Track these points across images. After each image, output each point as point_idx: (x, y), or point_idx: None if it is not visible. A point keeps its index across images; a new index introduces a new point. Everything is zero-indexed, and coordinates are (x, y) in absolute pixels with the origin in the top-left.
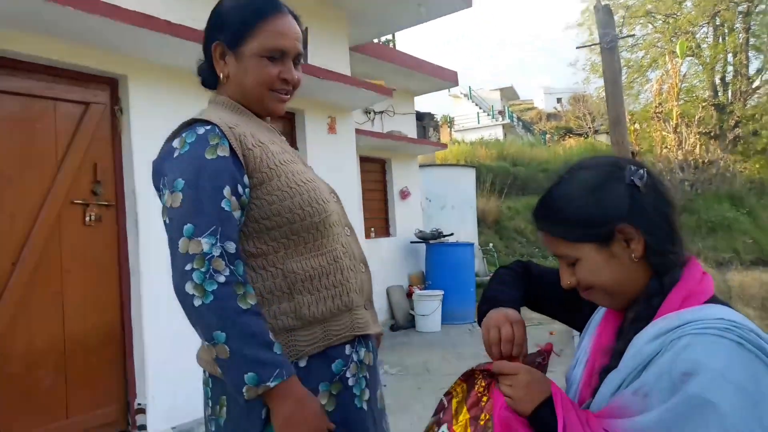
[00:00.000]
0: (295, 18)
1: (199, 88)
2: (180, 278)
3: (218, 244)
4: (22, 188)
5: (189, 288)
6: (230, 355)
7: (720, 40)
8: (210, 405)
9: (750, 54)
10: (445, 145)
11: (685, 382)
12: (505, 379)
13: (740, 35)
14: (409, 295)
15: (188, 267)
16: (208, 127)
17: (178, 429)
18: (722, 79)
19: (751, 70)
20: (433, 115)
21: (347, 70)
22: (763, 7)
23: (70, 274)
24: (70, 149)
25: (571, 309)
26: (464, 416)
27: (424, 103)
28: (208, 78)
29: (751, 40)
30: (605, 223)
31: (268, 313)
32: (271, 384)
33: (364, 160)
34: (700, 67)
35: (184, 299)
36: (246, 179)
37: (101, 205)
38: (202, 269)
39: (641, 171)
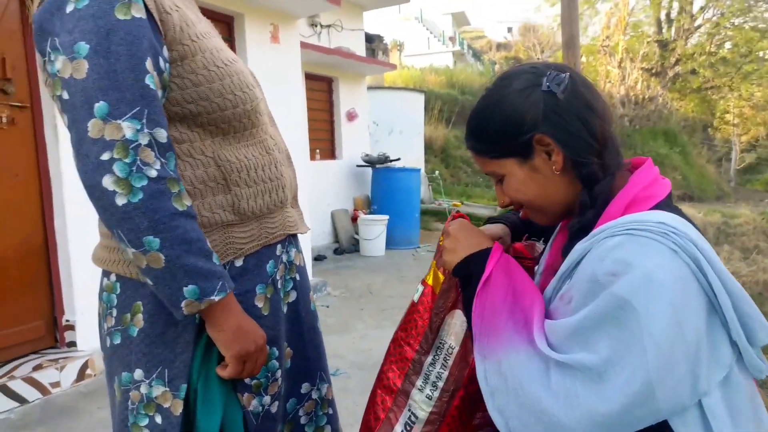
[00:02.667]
0: None
1: None
2: (94, 169)
3: (145, 130)
4: None
5: (108, 182)
6: (165, 264)
7: None
8: (114, 314)
9: None
10: (394, 66)
11: (611, 283)
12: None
13: None
14: (354, 219)
15: (105, 156)
16: None
17: None
18: (668, 15)
19: (695, 8)
20: (382, 37)
21: None
22: None
23: None
24: None
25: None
26: (432, 265)
27: (373, 25)
28: None
29: None
30: (520, 134)
31: (202, 205)
32: (216, 298)
33: (309, 77)
34: (648, 1)
35: (101, 196)
36: (165, 51)
37: (14, 106)
38: (126, 160)
39: (561, 75)
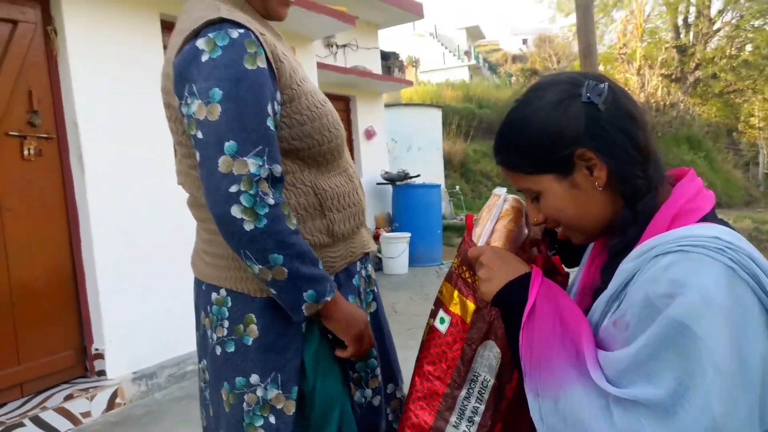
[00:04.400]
0: None
1: (144, 8)
2: (223, 201)
3: (266, 165)
4: None
5: (236, 212)
6: (288, 275)
7: None
8: (226, 325)
9: None
10: (411, 83)
11: (666, 306)
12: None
13: None
14: (376, 237)
15: (233, 189)
16: (242, 31)
17: (140, 374)
18: (685, 20)
19: (713, 12)
20: (398, 54)
21: None
22: None
23: (12, 213)
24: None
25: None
26: (456, 295)
27: (388, 42)
28: None
29: None
30: (561, 148)
31: (303, 229)
32: (329, 298)
33: (327, 96)
34: (664, 7)
35: (230, 223)
36: (278, 95)
37: (40, 137)
38: (251, 192)
39: (601, 86)
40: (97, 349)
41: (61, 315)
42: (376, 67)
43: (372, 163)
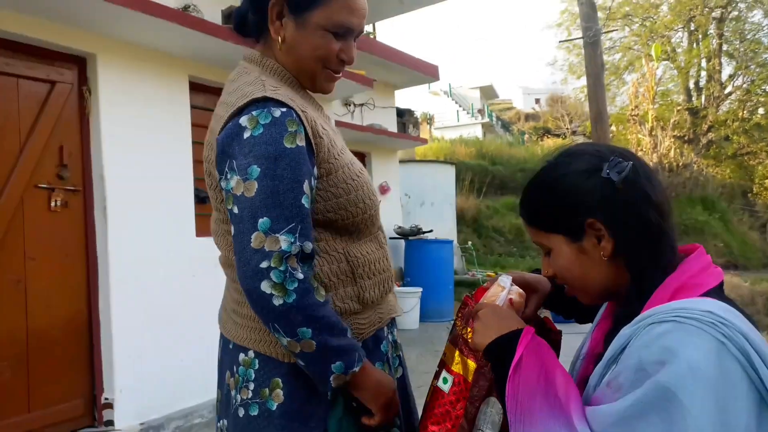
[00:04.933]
0: None
1: (174, 71)
2: (253, 276)
3: (297, 243)
4: None
5: (266, 287)
6: (316, 348)
7: (694, 45)
8: (251, 387)
9: (723, 60)
10: (425, 140)
11: (656, 372)
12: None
13: (714, 41)
14: None
15: (264, 265)
16: (285, 110)
17: (147, 425)
18: (696, 83)
19: (724, 76)
20: (413, 111)
21: None
22: (735, 13)
23: (34, 262)
24: (34, 130)
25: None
26: (457, 355)
27: (403, 100)
28: (250, 28)
29: (724, 46)
30: (576, 215)
31: (335, 295)
32: (357, 369)
33: None
34: (675, 71)
35: (260, 298)
36: (315, 170)
37: (68, 190)
38: (281, 268)
39: (624, 164)
40: (106, 399)
41: (73, 364)
42: (392, 125)
43: (385, 218)
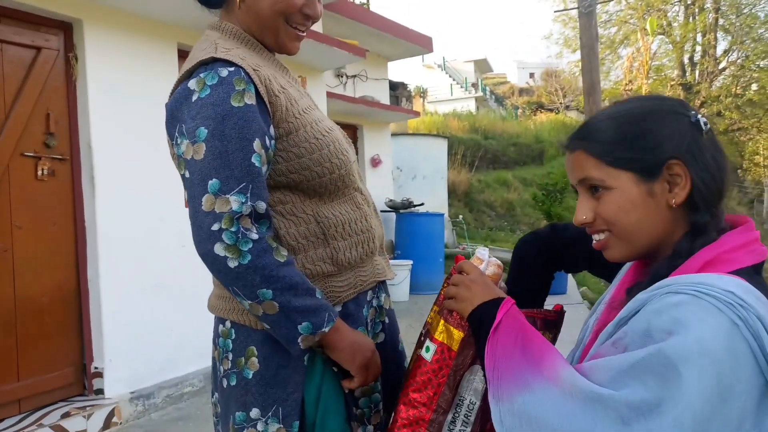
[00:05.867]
0: None
1: (161, 37)
2: (206, 239)
3: (248, 202)
4: None
5: (219, 249)
6: (279, 309)
7: (690, 19)
8: (230, 358)
9: (718, 34)
10: (417, 113)
11: (662, 340)
12: (452, 279)
13: (710, 15)
14: None
15: (215, 227)
16: (232, 69)
17: (137, 393)
18: (690, 58)
19: (719, 51)
20: (406, 84)
21: (319, 28)
22: None
23: (21, 231)
24: (20, 97)
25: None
26: (442, 324)
27: (397, 72)
28: None
29: (720, 21)
30: (657, 151)
31: (305, 258)
32: (326, 329)
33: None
34: (670, 45)
35: (214, 261)
36: (272, 130)
37: (54, 158)
38: (232, 229)
39: (705, 119)
40: (96, 368)
41: (62, 332)
42: (385, 98)
43: (377, 190)
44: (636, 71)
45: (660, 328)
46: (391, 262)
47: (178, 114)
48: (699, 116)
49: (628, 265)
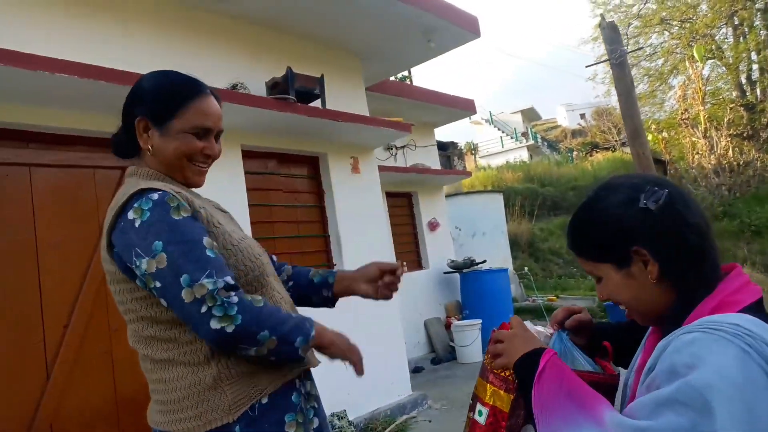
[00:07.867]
0: (216, 98)
1: (228, 142)
2: (202, 324)
3: (219, 280)
4: (68, 253)
5: (215, 324)
6: (278, 340)
7: (741, 39)
8: None
9: None
10: (468, 173)
11: (687, 374)
12: (495, 335)
13: (761, 32)
14: (448, 326)
15: (204, 309)
16: (161, 192)
17: None
18: (748, 78)
19: None
20: (456, 143)
21: (365, 110)
22: None
23: (118, 333)
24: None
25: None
26: (489, 388)
27: (446, 132)
28: (127, 150)
29: None
30: (619, 245)
31: (228, 359)
32: (313, 333)
33: (390, 195)
34: (723, 68)
35: (217, 335)
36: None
37: None
38: (217, 303)
39: (660, 193)
40: None
41: None
42: (435, 162)
43: (437, 253)
44: (691, 98)
45: (682, 363)
46: (460, 323)
47: (128, 242)
48: (648, 197)
49: (649, 328)
